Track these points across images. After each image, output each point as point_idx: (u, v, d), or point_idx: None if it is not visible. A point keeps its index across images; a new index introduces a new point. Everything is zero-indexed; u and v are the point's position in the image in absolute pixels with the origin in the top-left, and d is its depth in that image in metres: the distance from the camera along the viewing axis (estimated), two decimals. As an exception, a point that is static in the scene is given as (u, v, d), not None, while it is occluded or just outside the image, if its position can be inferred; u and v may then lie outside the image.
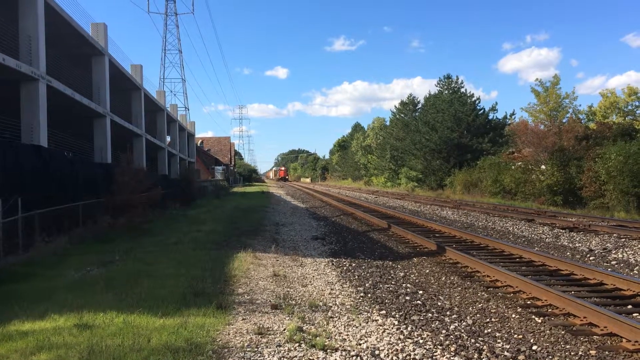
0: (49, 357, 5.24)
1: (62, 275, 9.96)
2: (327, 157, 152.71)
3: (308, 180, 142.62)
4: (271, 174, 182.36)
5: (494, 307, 7.74)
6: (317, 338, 5.95)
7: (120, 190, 17.92)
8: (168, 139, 43.83)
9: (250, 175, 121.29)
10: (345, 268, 10.90)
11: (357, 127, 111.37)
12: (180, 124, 46.66)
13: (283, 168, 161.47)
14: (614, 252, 12.64)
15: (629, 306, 7.69)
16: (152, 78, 75.73)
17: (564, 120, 40.50)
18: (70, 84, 20.12)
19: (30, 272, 10.30)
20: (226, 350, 5.59)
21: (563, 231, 16.24)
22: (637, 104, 48.68)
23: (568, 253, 12.91)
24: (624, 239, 14.18)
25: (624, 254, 12.32)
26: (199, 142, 75.12)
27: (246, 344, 5.77)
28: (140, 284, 8.73)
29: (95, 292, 8.24)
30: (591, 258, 12.15)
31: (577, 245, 13.93)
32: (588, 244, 13.94)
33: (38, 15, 16.69)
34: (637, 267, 10.86)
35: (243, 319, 6.81)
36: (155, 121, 38.02)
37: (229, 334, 6.13)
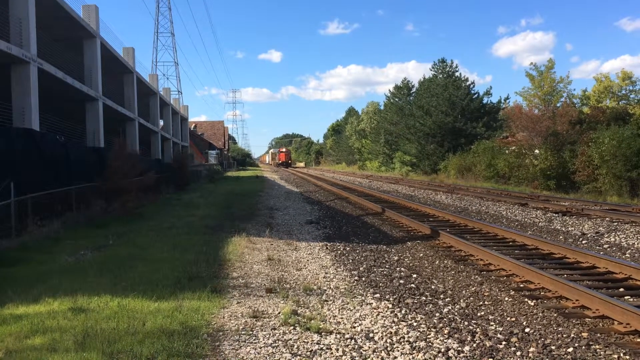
0: (43, 341, 5.24)
1: (55, 260, 9.94)
2: (321, 141, 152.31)
3: (302, 164, 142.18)
4: (267, 158, 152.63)
5: (487, 290, 7.78)
6: (312, 321, 5.98)
7: (113, 174, 17.82)
8: (161, 123, 43.58)
9: (244, 159, 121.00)
10: (339, 252, 10.92)
11: (351, 112, 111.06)
12: (173, 108, 46.36)
13: (284, 150, 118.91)
14: (606, 235, 12.73)
15: (621, 289, 7.76)
16: (144, 61, 75.35)
17: (558, 105, 40.51)
18: (61, 67, 19.90)
19: (24, 256, 10.27)
20: (221, 333, 5.61)
21: (556, 215, 16.32)
22: (631, 88, 48.79)
23: (561, 237, 12.99)
24: (616, 223, 14.27)
25: (616, 237, 12.41)
26: (192, 126, 74.76)
27: (241, 327, 5.79)
28: (134, 268, 8.74)
29: (89, 276, 8.24)
30: (584, 242, 12.23)
31: (569, 229, 14.02)
32: (581, 227, 14.02)
33: (28, -3, 16.45)
34: (629, 251, 10.94)
35: (238, 303, 6.83)
36: (148, 105, 37.76)
37: (224, 318, 6.14)
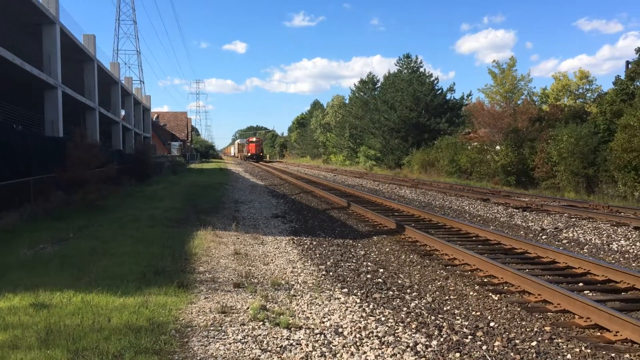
0: (4, 338, 5.07)
1: (13, 253, 9.61)
2: (285, 134, 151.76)
3: (266, 157, 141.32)
4: (232, 150, 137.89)
5: (452, 284, 7.92)
6: (281, 316, 5.96)
7: (73, 165, 17.34)
8: (123, 113, 42.64)
9: (208, 151, 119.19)
10: (306, 246, 10.93)
11: (316, 105, 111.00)
12: (135, 98, 45.39)
13: (254, 140, 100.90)
14: (564, 231, 13.11)
15: (580, 284, 8.01)
16: (105, 49, 73.40)
17: (518, 102, 41.40)
18: (19, 54, 19.20)
19: (-20, 250, 9.90)
20: (189, 329, 5.54)
21: (517, 210, 16.72)
22: (587, 87, 50.29)
23: (522, 232, 13.32)
24: (574, 219, 14.72)
25: (575, 233, 12.80)
26: (154, 117, 73.37)
27: (210, 323, 5.72)
28: (97, 262, 8.53)
29: (50, 270, 8.01)
30: (543, 237, 12.57)
31: (530, 224, 14.38)
32: (540, 223, 14.41)
33: (-16, -20, 15.81)
34: (587, 246, 11.30)
35: (205, 298, 6.75)
36: (109, 94, 36.84)
37: (191, 313, 6.07)
